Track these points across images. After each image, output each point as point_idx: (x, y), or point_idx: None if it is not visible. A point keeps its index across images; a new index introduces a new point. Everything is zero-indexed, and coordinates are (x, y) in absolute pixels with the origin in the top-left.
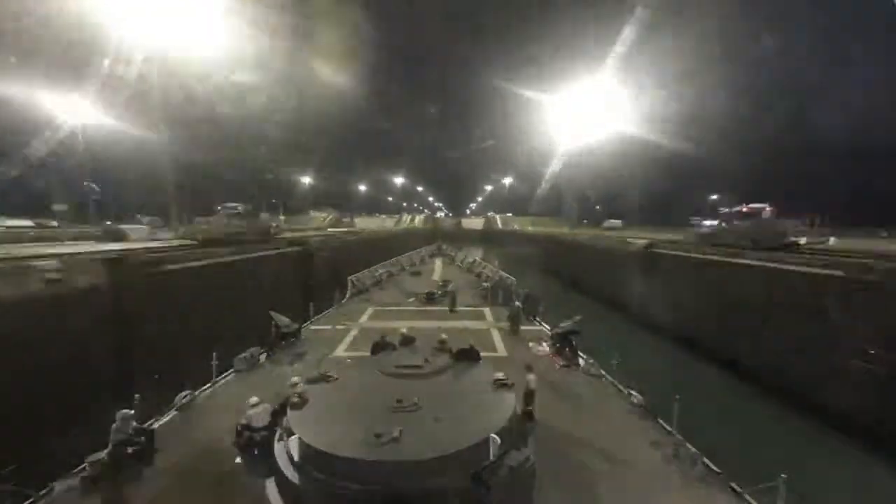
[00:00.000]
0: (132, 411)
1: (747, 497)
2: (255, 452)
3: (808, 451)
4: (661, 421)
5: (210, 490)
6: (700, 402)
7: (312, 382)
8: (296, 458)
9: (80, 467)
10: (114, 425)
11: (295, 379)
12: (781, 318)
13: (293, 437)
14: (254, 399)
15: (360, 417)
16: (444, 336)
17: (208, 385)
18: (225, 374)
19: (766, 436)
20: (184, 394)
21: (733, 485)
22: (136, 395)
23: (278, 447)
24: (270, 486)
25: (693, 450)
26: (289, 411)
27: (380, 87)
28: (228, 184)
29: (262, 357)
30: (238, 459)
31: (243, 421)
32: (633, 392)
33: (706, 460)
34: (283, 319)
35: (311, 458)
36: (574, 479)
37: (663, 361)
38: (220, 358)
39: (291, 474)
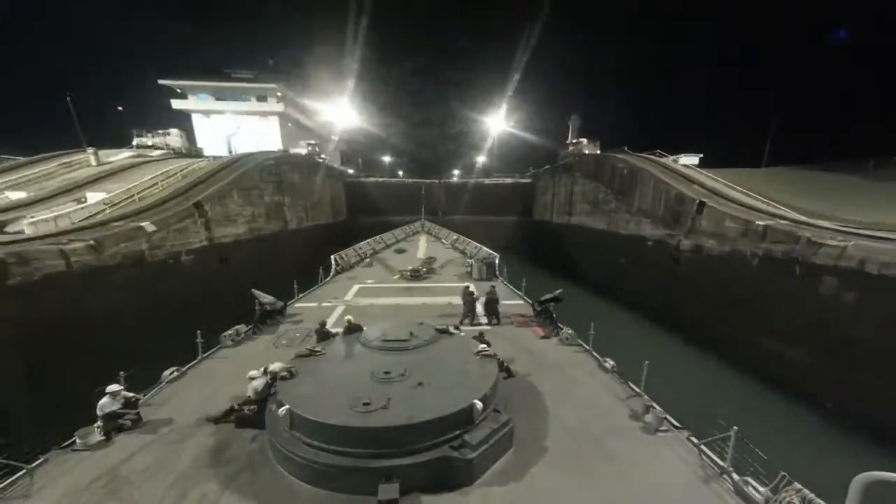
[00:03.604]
0: (120, 386)
1: (702, 447)
2: (248, 423)
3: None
4: (630, 384)
5: (203, 459)
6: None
7: (301, 357)
8: (287, 427)
9: (70, 441)
10: (102, 400)
11: (279, 356)
12: None
13: (284, 408)
14: (253, 372)
15: (348, 388)
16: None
17: (195, 361)
18: (210, 350)
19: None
20: (171, 370)
21: (692, 438)
22: (122, 372)
23: (270, 417)
24: (263, 455)
25: (658, 408)
26: (279, 384)
27: None
28: None
29: (248, 334)
30: (231, 430)
31: (237, 393)
32: (608, 359)
33: (669, 417)
34: (266, 297)
35: (302, 427)
36: (548, 437)
37: None
38: (206, 335)
39: (283, 443)
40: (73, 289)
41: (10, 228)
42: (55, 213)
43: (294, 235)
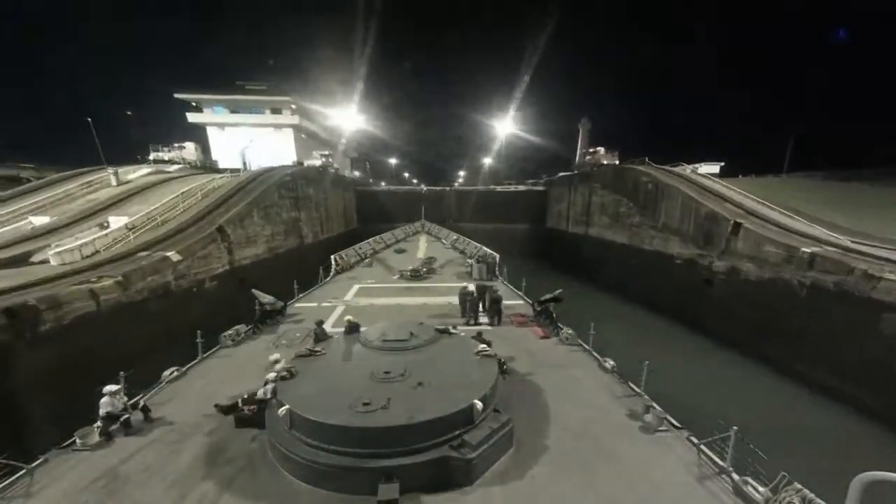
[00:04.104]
0: (119, 386)
1: (702, 447)
2: (248, 423)
3: None
4: (630, 384)
5: (203, 459)
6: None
7: (301, 357)
8: (287, 427)
9: (70, 441)
10: (102, 399)
11: (279, 354)
12: None
13: (284, 408)
14: (271, 375)
15: (348, 388)
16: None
17: (195, 361)
18: (210, 350)
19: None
20: (171, 370)
21: (692, 438)
22: (121, 373)
23: (270, 417)
24: (263, 455)
25: (658, 408)
26: (279, 384)
27: None
28: None
29: (248, 334)
30: (231, 430)
31: (238, 393)
32: (608, 359)
33: (669, 417)
34: (266, 297)
35: (302, 427)
36: (548, 437)
37: None
38: (206, 335)
39: (283, 443)
40: (101, 325)
41: (35, 258)
42: (79, 242)
43: (311, 249)
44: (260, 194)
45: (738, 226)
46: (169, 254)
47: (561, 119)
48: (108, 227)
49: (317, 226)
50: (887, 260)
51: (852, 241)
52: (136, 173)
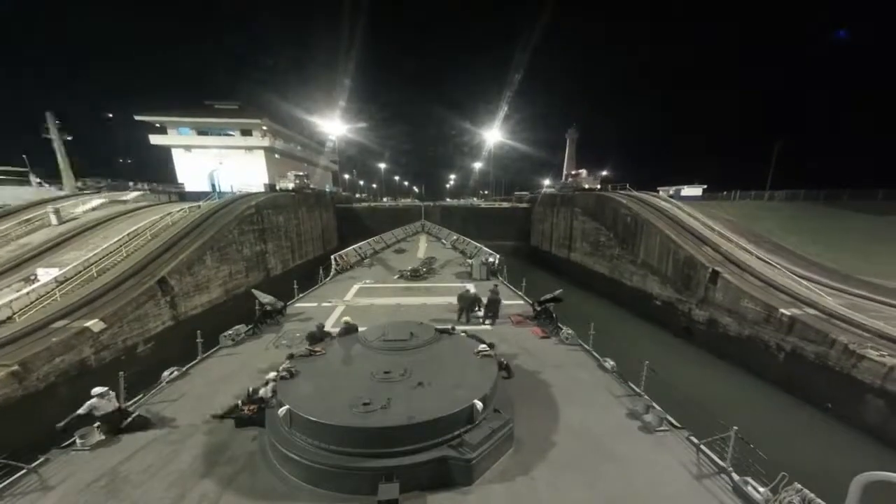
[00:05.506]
0: (106, 388)
1: (702, 447)
2: (248, 423)
3: None
4: (630, 384)
5: (203, 459)
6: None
7: (301, 357)
8: (287, 427)
9: (70, 441)
10: (103, 400)
11: (279, 356)
12: None
13: (284, 408)
14: (272, 374)
15: (348, 388)
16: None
17: (195, 361)
18: (210, 350)
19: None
20: (171, 370)
21: (692, 438)
22: (121, 372)
23: (270, 417)
24: (263, 455)
25: (657, 407)
26: (279, 383)
27: None
28: None
29: (248, 334)
30: (231, 430)
31: (238, 393)
32: (608, 359)
33: (669, 417)
34: (266, 297)
35: (302, 427)
36: (548, 437)
37: None
38: (205, 336)
39: (283, 443)
40: None
41: None
42: None
43: (279, 280)
44: (215, 233)
45: (716, 274)
46: (89, 324)
47: (553, 126)
48: (35, 280)
49: (287, 254)
50: (876, 332)
51: (831, 295)
52: (84, 206)
